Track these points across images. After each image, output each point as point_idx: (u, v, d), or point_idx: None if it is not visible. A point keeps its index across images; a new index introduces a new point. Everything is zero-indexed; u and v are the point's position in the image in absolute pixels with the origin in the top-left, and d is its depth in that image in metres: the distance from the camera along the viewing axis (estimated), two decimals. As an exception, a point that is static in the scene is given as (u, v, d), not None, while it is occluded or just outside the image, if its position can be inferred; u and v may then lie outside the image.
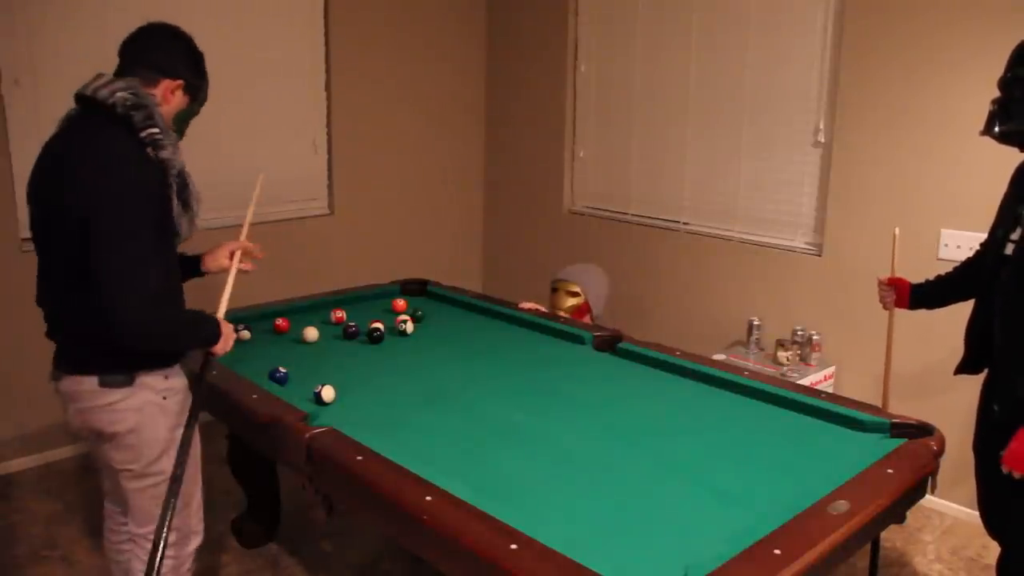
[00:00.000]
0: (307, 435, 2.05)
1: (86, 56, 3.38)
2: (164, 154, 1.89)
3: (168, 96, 1.98)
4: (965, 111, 3.03)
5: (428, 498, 1.75)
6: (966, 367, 2.35)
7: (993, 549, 2.49)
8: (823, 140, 3.56)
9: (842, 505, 1.72)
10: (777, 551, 1.55)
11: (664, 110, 4.12)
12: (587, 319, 3.40)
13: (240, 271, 2.27)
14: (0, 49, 3.30)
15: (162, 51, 1.98)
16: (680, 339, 3.71)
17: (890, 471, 1.90)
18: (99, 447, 2.08)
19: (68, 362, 1.98)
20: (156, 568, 1.81)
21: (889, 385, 2.75)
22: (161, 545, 1.82)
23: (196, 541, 2.18)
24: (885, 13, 3.24)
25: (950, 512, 3.30)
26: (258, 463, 2.91)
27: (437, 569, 1.76)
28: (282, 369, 2.46)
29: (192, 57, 2.04)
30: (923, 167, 3.22)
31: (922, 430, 2.12)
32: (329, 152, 4.37)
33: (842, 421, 2.24)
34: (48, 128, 2.00)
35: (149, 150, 1.87)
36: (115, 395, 1.95)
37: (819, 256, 3.60)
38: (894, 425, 2.17)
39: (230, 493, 3.14)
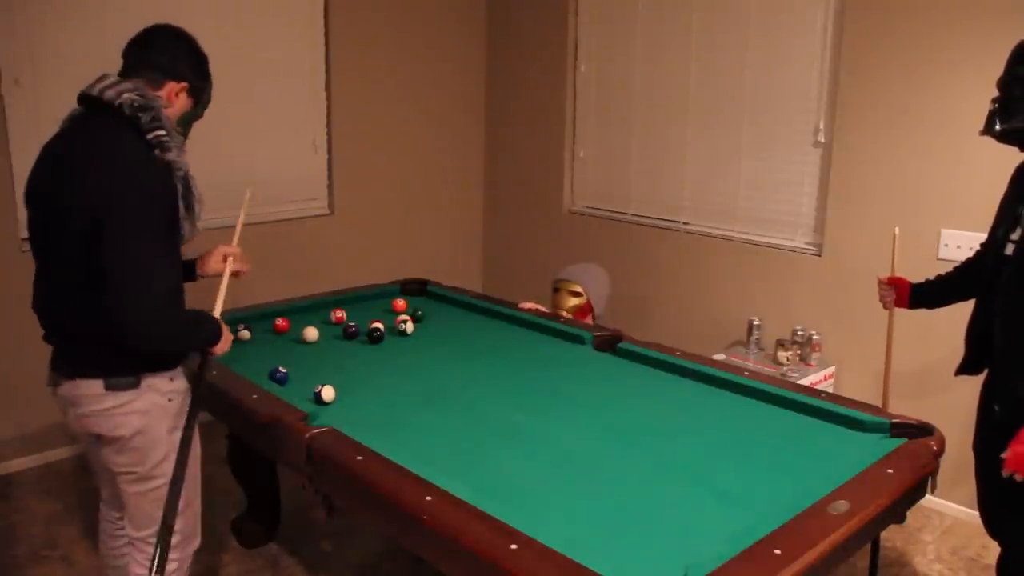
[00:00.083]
0: (307, 435, 2.05)
1: (86, 56, 3.39)
2: (170, 156, 1.88)
3: (172, 98, 1.99)
4: (965, 111, 3.03)
5: (428, 498, 1.75)
6: (967, 368, 2.35)
7: (993, 549, 2.49)
8: (823, 140, 3.56)
9: (842, 505, 1.72)
10: (777, 551, 1.55)
11: (664, 110, 4.12)
12: (589, 319, 3.40)
13: (232, 276, 2.26)
14: (0, 49, 3.30)
15: (167, 53, 1.98)
16: (680, 339, 3.71)
17: (890, 471, 1.90)
18: (98, 451, 2.06)
19: (70, 365, 1.95)
20: (163, 563, 1.80)
21: (889, 385, 2.75)
22: (165, 542, 1.82)
23: (195, 543, 2.18)
24: (885, 13, 3.24)
25: (950, 512, 3.30)
26: (258, 463, 2.92)
27: (437, 569, 1.76)
28: (282, 369, 2.46)
29: (196, 59, 2.04)
30: (923, 167, 3.22)
31: (922, 430, 2.12)
32: (329, 152, 4.37)
33: (842, 421, 2.24)
34: (48, 128, 1.99)
35: (156, 152, 1.87)
36: (121, 398, 1.94)
37: (819, 256, 3.61)
38: (894, 425, 2.17)
39: (230, 493, 3.14)
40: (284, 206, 4.24)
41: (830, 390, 3.28)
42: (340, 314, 3.07)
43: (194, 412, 2.01)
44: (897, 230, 2.71)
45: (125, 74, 1.95)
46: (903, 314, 2.68)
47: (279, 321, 2.97)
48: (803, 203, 3.68)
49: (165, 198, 1.86)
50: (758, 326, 3.70)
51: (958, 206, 3.14)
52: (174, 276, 1.92)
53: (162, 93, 1.96)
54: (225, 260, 2.25)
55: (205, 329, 2.02)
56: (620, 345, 2.82)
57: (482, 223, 5.13)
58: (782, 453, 2.08)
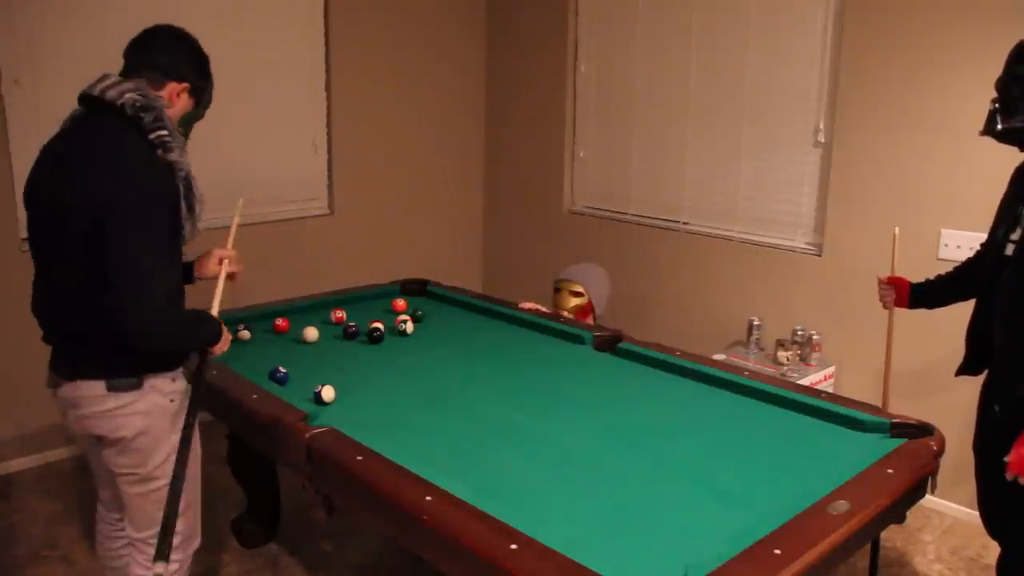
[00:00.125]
0: (307, 435, 2.05)
1: (86, 56, 3.39)
2: (172, 156, 1.88)
3: (174, 99, 1.98)
4: (965, 111, 3.03)
5: (428, 498, 1.75)
6: (967, 368, 2.35)
7: (993, 549, 2.49)
8: (823, 140, 3.56)
9: (842, 505, 1.72)
10: (777, 551, 1.55)
11: (664, 110, 4.12)
12: (590, 319, 3.40)
13: (227, 279, 2.26)
14: (0, 49, 3.30)
15: (168, 54, 1.98)
16: (680, 339, 3.71)
17: (890, 471, 1.90)
18: (99, 452, 2.06)
19: (70, 367, 1.94)
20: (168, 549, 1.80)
21: (889, 385, 2.75)
22: (169, 528, 1.82)
23: (196, 543, 2.17)
24: (885, 13, 3.24)
25: (950, 512, 3.30)
26: (258, 463, 2.91)
27: (437, 569, 1.76)
28: (282, 369, 2.46)
29: (198, 60, 2.04)
30: (923, 167, 3.22)
31: (922, 430, 2.12)
32: (329, 152, 4.37)
33: (842, 421, 2.24)
34: (48, 128, 1.99)
35: (159, 152, 1.86)
36: (123, 399, 1.93)
37: (819, 256, 3.61)
38: (894, 425, 2.17)
39: (230, 493, 3.14)
40: (284, 206, 4.24)
41: (830, 390, 3.28)
42: (340, 314, 3.07)
43: (194, 412, 2.01)
44: (897, 230, 2.71)
45: (126, 74, 1.95)
46: (903, 314, 2.68)
47: (279, 321, 2.97)
48: (803, 203, 3.68)
49: (168, 198, 1.85)
50: (758, 326, 3.70)
51: (958, 206, 3.14)
52: (176, 277, 1.92)
53: (163, 93, 1.96)
54: (221, 263, 2.24)
55: (206, 329, 2.02)
56: (620, 345, 2.82)
57: (482, 223, 5.13)
58: (782, 453, 2.08)
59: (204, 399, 2.14)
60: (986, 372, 2.31)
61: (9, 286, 3.17)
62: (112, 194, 1.78)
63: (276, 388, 2.38)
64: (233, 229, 2.40)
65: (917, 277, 2.60)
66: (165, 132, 1.88)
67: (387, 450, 1.97)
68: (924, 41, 3.15)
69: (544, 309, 3.28)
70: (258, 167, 4.12)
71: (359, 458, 1.94)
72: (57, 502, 3.29)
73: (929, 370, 3.25)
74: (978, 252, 2.41)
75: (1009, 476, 2.01)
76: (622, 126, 4.33)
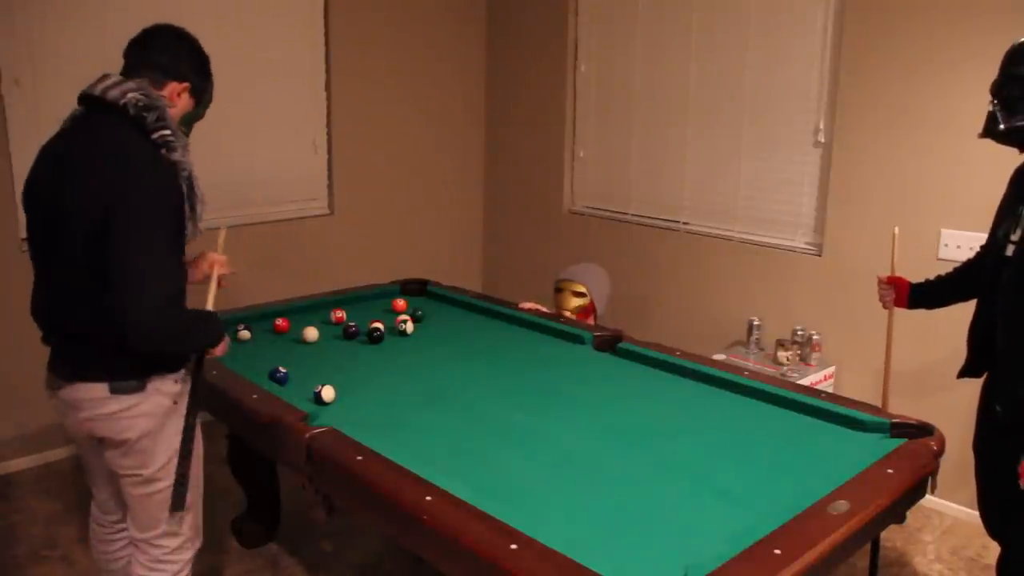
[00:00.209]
0: (307, 435, 2.05)
1: (86, 56, 3.39)
2: (176, 156, 1.87)
3: (175, 99, 1.98)
4: (965, 111, 3.03)
5: (428, 498, 1.75)
6: (969, 370, 2.34)
7: (993, 549, 2.49)
8: (823, 140, 3.56)
9: (842, 505, 1.72)
10: (777, 551, 1.55)
11: (664, 110, 4.12)
12: (591, 319, 3.40)
13: (218, 284, 2.26)
14: (0, 49, 3.30)
15: (168, 53, 1.97)
16: (680, 339, 3.70)
17: (890, 471, 1.90)
18: (99, 453, 2.05)
19: (72, 368, 1.93)
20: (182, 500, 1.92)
21: (889, 385, 2.75)
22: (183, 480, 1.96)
23: (197, 544, 2.17)
24: (885, 13, 3.24)
25: (950, 512, 3.30)
26: (258, 463, 2.91)
27: (437, 569, 1.76)
28: (282, 369, 2.46)
29: (198, 60, 2.03)
30: (923, 167, 3.22)
31: (922, 430, 2.12)
32: (329, 152, 4.37)
33: (842, 421, 2.24)
34: (48, 128, 1.99)
35: (162, 152, 1.86)
36: (127, 401, 1.92)
37: (819, 256, 3.60)
38: (894, 425, 2.17)
39: (230, 493, 3.14)
40: (284, 206, 4.24)
41: (830, 390, 3.28)
42: (340, 314, 3.07)
43: (194, 411, 2.01)
44: (897, 230, 2.71)
45: (126, 74, 1.94)
46: (903, 314, 2.68)
47: (279, 321, 2.97)
48: (803, 203, 3.68)
49: (171, 198, 1.85)
50: (758, 326, 3.70)
51: (958, 206, 3.14)
52: (179, 277, 1.91)
53: (164, 93, 1.95)
54: (212, 267, 2.23)
55: (208, 330, 2.01)
56: (620, 345, 2.82)
57: (482, 223, 5.13)
58: (782, 453, 2.08)
59: (204, 399, 2.15)
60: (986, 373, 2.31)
61: (9, 286, 3.17)
62: (116, 194, 1.77)
63: (276, 388, 2.38)
64: (222, 240, 2.37)
65: (917, 277, 2.60)
66: (168, 132, 1.87)
67: (387, 450, 1.97)
68: (924, 41, 3.15)
69: (544, 309, 3.28)
70: (258, 167, 4.12)
71: (359, 458, 1.94)
72: (57, 502, 3.29)
73: (929, 370, 3.25)
74: (978, 253, 2.41)
75: (1023, 485, 2.00)
76: (622, 126, 4.33)
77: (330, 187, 4.41)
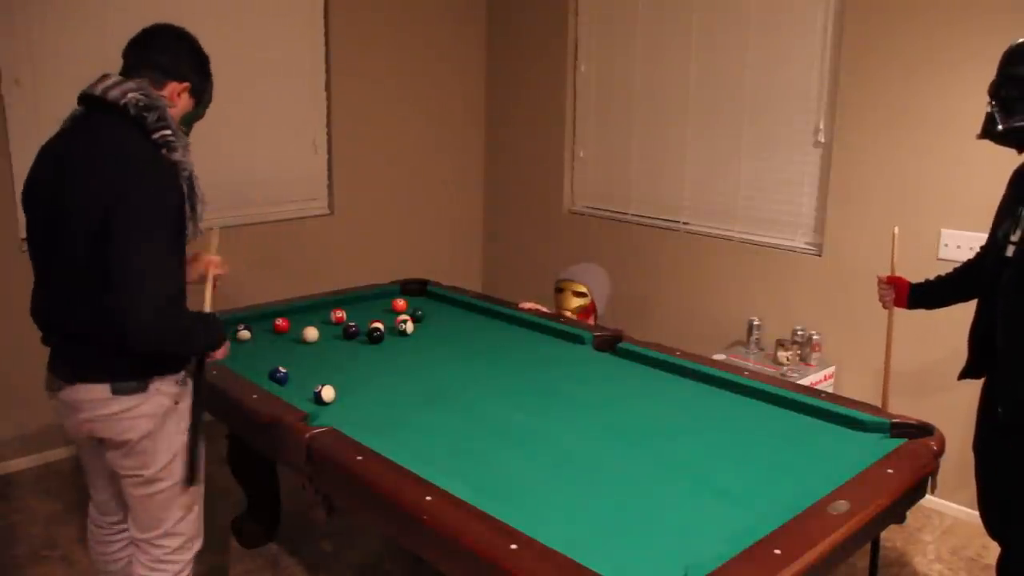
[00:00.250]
0: (307, 435, 2.05)
1: (86, 56, 3.39)
2: (177, 156, 1.87)
3: (175, 98, 1.97)
4: (965, 111, 3.03)
5: (428, 498, 1.75)
6: (970, 371, 2.34)
7: (993, 549, 2.49)
8: (823, 140, 3.56)
9: (842, 505, 1.72)
10: (777, 551, 1.55)
11: (664, 110, 4.12)
12: (592, 319, 3.40)
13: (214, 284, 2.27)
14: (0, 49, 3.30)
15: (168, 53, 1.96)
16: (680, 339, 3.70)
17: (890, 471, 1.90)
18: (99, 454, 2.04)
19: (72, 369, 1.92)
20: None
21: (889, 385, 2.75)
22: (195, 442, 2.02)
23: (199, 543, 2.16)
24: (885, 13, 3.24)
25: (950, 512, 3.30)
26: (258, 463, 2.91)
27: (437, 569, 1.76)
28: (282, 369, 2.46)
29: (198, 60, 2.03)
30: (923, 167, 3.23)
31: (922, 430, 2.12)
32: (329, 152, 4.37)
33: (842, 421, 2.24)
34: (48, 128, 1.98)
35: (163, 152, 1.85)
36: (129, 402, 1.91)
37: (819, 256, 3.61)
38: (894, 425, 2.17)
39: (230, 493, 3.14)
40: (284, 206, 4.24)
41: (830, 390, 3.28)
42: (340, 314, 3.07)
43: (199, 414, 2.01)
44: (896, 229, 2.71)
45: (126, 74, 1.93)
46: (903, 314, 2.68)
47: (279, 321, 2.97)
48: (803, 203, 3.68)
49: (172, 198, 1.84)
50: (758, 326, 3.70)
51: (958, 206, 3.14)
52: (179, 278, 1.90)
53: (164, 93, 1.95)
54: (207, 268, 2.23)
55: (209, 333, 2.01)
56: (620, 345, 2.82)
57: (482, 223, 5.13)
58: (782, 453, 2.08)
59: (206, 401, 2.15)
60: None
61: (9, 286, 3.17)
62: (117, 194, 1.77)
63: (276, 388, 2.38)
64: (215, 241, 2.36)
65: (917, 277, 2.60)
66: (169, 132, 1.87)
67: (387, 450, 1.97)
68: (924, 41, 3.15)
69: (544, 309, 3.28)
70: (258, 167, 4.12)
71: (359, 458, 1.94)
72: (57, 502, 3.29)
73: (929, 370, 3.25)
74: (978, 253, 2.41)
75: None
76: (622, 126, 4.33)
77: (330, 187, 4.41)
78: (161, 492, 2.01)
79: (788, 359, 3.48)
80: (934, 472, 2.02)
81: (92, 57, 3.28)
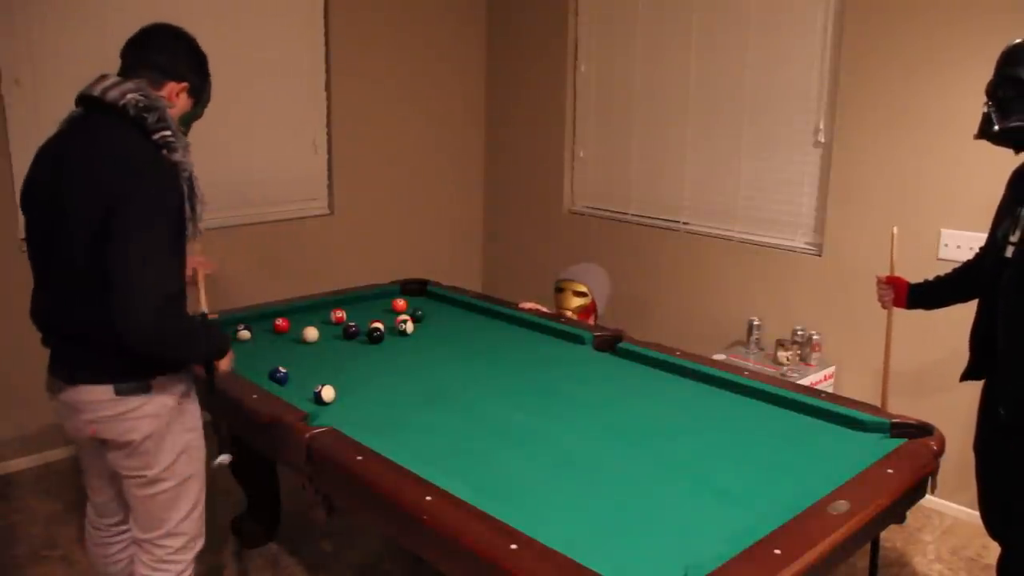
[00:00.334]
0: (307, 435, 2.05)
1: (86, 56, 3.39)
2: (177, 156, 1.86)
3: (173, 98, 1.97)
4: (965, 111, 3.03)
5: (428, 498, 1.75)
6: (972, 373, 2.34)
7: (993, 549, 2.49)
8: (823, 140, 3.56)
9: (842, 505, 1.72)
10: (777, 551, 1.55)
11: (664, 110, 4.12)
12: (592, 319, 3.40)
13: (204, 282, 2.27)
14: (0, 49, 3.30)
15: (166, 53, 1.96)
16: (680, 339, 3.70)
17: (890, 471, 1.90)
18: (100, 455, 2.04)
19: (74, 371, 1.92)
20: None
21: (888, 384, 2.75)
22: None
23: (200, 543, 2.16)
24: (885, 13, 3.24)
25: (950, 512, 3.30)
26: (258, 463, 2.91)
27: (437, 569, 1.76)
28: (282, 369, 2.46)
29: (196, 59, 2.02)
30: (923, 167, 3.23)
31: (922, 430, 2.12)
32: (329, 152, 4.37)
33: (842, 421, 2.24)
34: (48, 128, 1.98)
35: (163, 152, 1.85)
36: (132, 403, 1.91)
37: (819, 256, 3.61)
38: (894, 425, 2.17)
39: (230, 493, 3.14)
40: (284, 206, 4.24)
41: (830, 390, 3.28)
42: (340, 314, 3.07)
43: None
44: (895, 229, 2.71)
45: (124, 74, 1.93)
46: (903, 314, 2.68)
47: (279, 321, 2.97)
48: (803, 203, 3.68)
49: (172, 199, 1.84)
50: (758, 326, 3.70)
51: (958, 206, 3.14)
52: (179, 278, 1.89)
53: (163, 93, 1.94)
54: (195, 269, 2.21)
55: (210, 339, 2.00)
56: (620, 345, 2.82)
57: (482, 223, 5.13)
58: (782, 453, 2.08)
59: (204, 399, 2.15)
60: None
61: (9, 286, 3.17)
62: (117, 195, 1.76)
63: (276, 388, 2.38)
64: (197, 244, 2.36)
65: (917, 277, 2.60)
66: (169, 132, 1.86)
67: (387, 450, 1.97)
68: (924, 41, 3.15)
69: (544, 309, 3.28)
70: (258, 167, 4.12)
71: (359, 458, 1.94)
72: (57, 502, 3.29)
73: (929, 370, 3.25)
74: (977, 254, 2.42)
75: None
76: (622, 126, 4.33)
77: (330, 187, 4.41)
78: (164, 492, 2.01)
79: (788, 359, 3.48)
80: (934, 472, 2.02)
81: (92, 57, 3.28)
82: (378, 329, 2.86)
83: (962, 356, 2.36)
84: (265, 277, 4.03)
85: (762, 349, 3.71)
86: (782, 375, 3.30)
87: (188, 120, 2.06)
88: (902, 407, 2.61)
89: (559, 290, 3.42)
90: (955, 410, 2.82)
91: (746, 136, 3.82)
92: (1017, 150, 2.14)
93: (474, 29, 4.84)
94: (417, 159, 4.71)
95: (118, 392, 1.90)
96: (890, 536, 3.05)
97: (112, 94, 1.84)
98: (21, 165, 3.23)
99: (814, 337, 3.53)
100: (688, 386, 2.55)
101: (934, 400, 3.14)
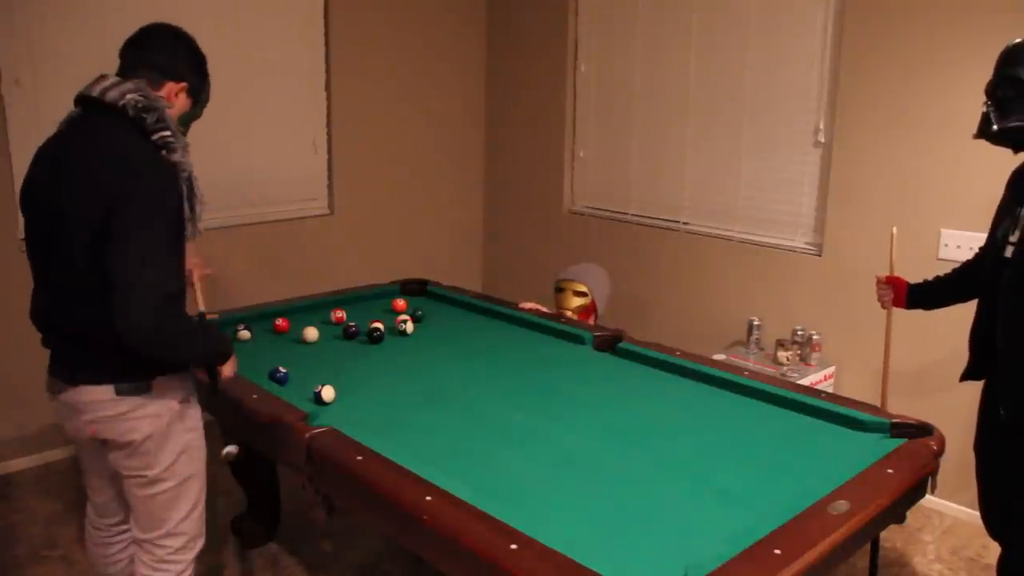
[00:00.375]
0: (307, 435, 2.05)
1: (86, 56, 3.39)
2: (176, 157, 1.86)
3: (172, 99, 1.96)
4: (965, 111, 3.03)
5: (428, 498, 1.75)
6: (972, 373, 2.34)
7: (993, 549, 2.49)
8: (823, 140, 3.56)
9: (842, 505, 1.72)
10: (777, 551, 1.55)
11: (664, 110, 4.12)
12: (592, 319, 3.40)
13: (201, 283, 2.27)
14: (0, 49, 3.30)
15: (165, 53, 1.96)
16: (680, 339, 3.70)
17: (890, 471, 1.90)
18: (101, 455, 2.04)
19: (75, 371, 1.92)
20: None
21: (888, 384, 2.75)
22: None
23: (201, 543, 2.16)
24: (885, 13, 3.24)
25: (950, 512, 3.30)
26: (258, 463, 2.91)
27: (437, 569, 1.76)
28: (282, 369, 2.46)
29: (195, 59, 2.02)
30: (923, 167, 3.23)
31: (922, 430, 2.12)
32: (329, 152, 4.37)
33: (842, 421, 2.24)
34: (48, 128, 1.98)
35: (162, 153, 1.85)
36: (133, 403, 1.91)
37: (819, 256, 3.60)
38: (894, 425, 2.17)
39: (230, 493, 3.15)
40: (284, 206, 4.24)
41: (830, 390, 3.28)
42: (340, 314, 3.07)
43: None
44: (895, 229, 2.71)
45: (123, 74, 1.92)
46: (903, 314, 2.68)
47: (279, 321, 2.97)
48: (803, 203, 3.68)
49: (172, 199, 1.84)
50: (758, 326, 3.70)
51: (958, 206, 3.14)
52: (179, 279, 1.88)
53: (162, 93, 1.94)
54: (191, 270, 2.21)
55: (209, 342, 1.99)
56: (620, 345, 2.82)
57: (482, 223, 5.13)
58: (782, 453, 2.08)
59: (203, 399, 2.14)
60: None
61: (9, 286, 3.17)
62: (116, 195, 1.76)
63: (276, 388, 2.38)
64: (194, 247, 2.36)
65: (917, 277, 2.60)
66: (168, 133, 1.86)
67: (387, 450, 1.97)
68: (924, 41, 3.15)
69: (544, 309, 3.28)
70: (258, 167, 4.12)
71: (359, 458, 1.94)
72: (57, 502, 3.29)
73: (929, 370, 3.25)
74: (977, 254, 2.42)
75: None
76: (622, 126, 4.33)
77: (330, 187, 4.40)
78: (164, 492, 2.01)
79: (788, 359, 3.48)
80: (934, 472, 2.02)
81: (92, 57, 3.27)
82: (378, 329, 2.86)
83: (962, 356, 2.36)
84: (265, 277, 4.03)
85: (762, 349, 3.71)
86: (782, 375, 3.30)
87: (187, 120, 2.06)
88: (902, 407, 2.61)
89: (559, 290, 3.42)
90: (955, 410, 2.82)
91: (746, 136, 3.82)
92: (1016, 150, 2.14)
93: (474, 29, 4.84)
94: (417, 159, 4.71)
95: (118, 392, 1.89)
96: (890, 536, 3.06)
97: (111, 94, 1.84)
98: (21, 165, 3.23)
99: (814, 337, 3.53)
100: (688, 386, 2.55)
101: (934, 400, 3.14)
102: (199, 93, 2.05)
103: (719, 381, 2.53)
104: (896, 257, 2.68)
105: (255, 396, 2.28)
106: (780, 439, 2.17)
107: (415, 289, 3.52)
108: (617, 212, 4.42)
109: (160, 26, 2.01)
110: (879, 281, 2.67)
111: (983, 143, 2.18)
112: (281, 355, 2.69)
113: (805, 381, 3.23)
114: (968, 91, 3.03)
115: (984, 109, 2.11)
